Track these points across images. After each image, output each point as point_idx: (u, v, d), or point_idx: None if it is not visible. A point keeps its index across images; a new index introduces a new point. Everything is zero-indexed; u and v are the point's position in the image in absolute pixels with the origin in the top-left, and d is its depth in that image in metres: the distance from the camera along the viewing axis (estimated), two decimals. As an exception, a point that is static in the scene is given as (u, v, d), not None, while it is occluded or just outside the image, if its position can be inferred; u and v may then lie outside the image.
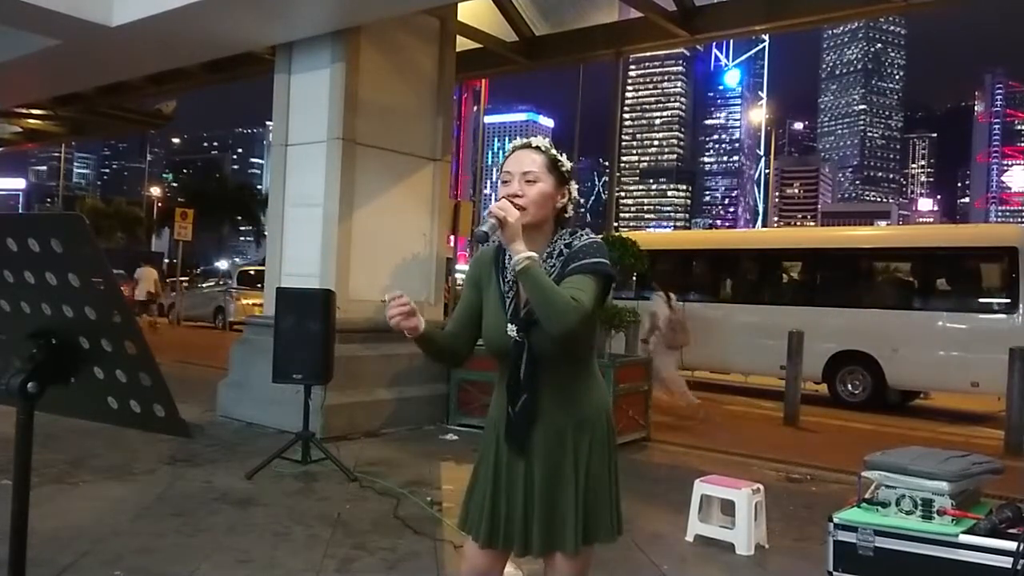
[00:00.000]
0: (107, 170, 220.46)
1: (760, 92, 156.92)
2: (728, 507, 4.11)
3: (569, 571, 2.00)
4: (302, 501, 4.66)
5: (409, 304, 1.90)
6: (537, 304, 1.83)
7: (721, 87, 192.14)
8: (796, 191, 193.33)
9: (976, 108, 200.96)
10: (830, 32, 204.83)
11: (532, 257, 1.83)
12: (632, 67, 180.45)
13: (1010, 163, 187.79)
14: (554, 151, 2.01)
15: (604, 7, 9.52)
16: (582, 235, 1.99)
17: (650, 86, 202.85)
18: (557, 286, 1.85)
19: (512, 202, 1.92)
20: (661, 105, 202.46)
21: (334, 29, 7.00)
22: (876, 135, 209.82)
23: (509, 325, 1.96)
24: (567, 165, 2.03)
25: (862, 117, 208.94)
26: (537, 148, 2.01)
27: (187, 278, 26.87)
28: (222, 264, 48.98)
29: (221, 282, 25.29)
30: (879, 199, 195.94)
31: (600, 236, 2.04)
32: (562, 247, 1.97)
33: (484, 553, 2.04)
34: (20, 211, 44.27)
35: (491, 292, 2.05)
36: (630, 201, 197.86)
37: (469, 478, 2.13)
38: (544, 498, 1.96)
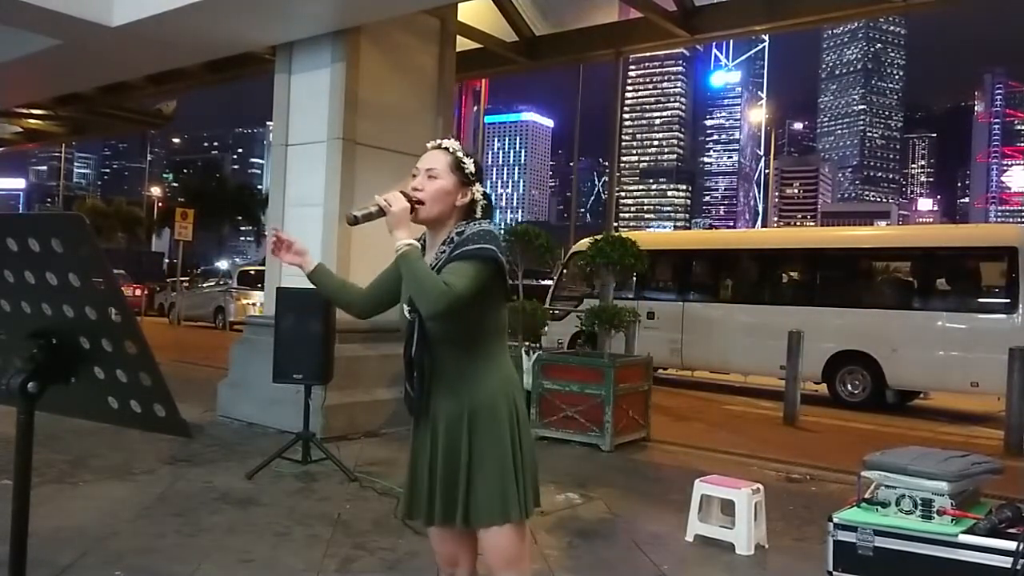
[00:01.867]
0: (107, 170, 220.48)
1: (760, 92, 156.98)
2: (728, 507, 4.11)
3: (493, 549, 2.09)
4: (302, 501, 4.66)
5: (289, 241, 2.20)
6: (410, 288, 1.99)
7: (718, 88, 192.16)
8: (796, 191, 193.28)
9: (976, 108, 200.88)
10: (830, 32, 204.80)
11: (411, 244, 1.97)
12: (632, 67, 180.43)
13: (1010, 163, 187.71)
14: (460, 153, 2.13)
15: (604, 7, 9.53)
16: (473, 224, 2.10)
17: (650, 86, 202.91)
18: (433, 272, 1.99)
19: (411, 195, 2.06)
20: (661, 105, 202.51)
21: (334, 29, 7.00)
22: (876, 135, 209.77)
23: (404, 305, 2.10)
24: (471, 167, 2.14)
25: (862, 117, 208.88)
26: (446, 149, 2.14)
27: (187, 278, 26.85)
28: (222, 264, 48.97)
29: (221, 282, 25.28)
30: (879, 199, 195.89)
31: (490, 224, 2.15)
32: (454, 235, 2.09)
33: (442, 538, 2.19)
34: (20, 211, 44.29)
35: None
36: (630, 201, 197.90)
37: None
38: (443, 472, 2.08)
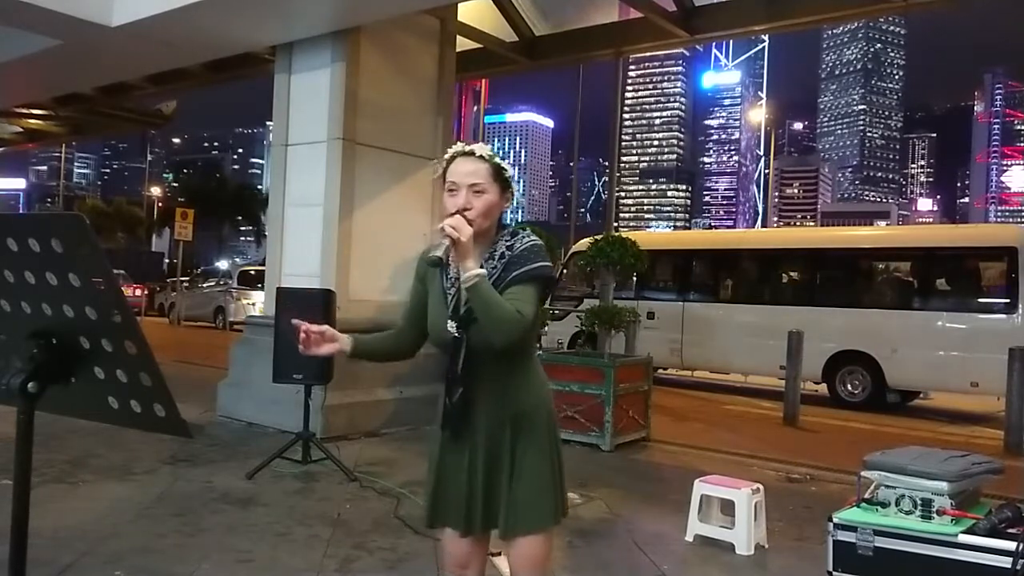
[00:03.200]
0: (107, 170, 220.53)
1: (760, 92, 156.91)
2: (728, 507, 4.11)
3: (523, 555, 2.07)
4: (302, 501, 4.66)
5: (313, 331, 2.01)
6: (485, 319, 1.91)
7: (715, 89, 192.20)
8: (796, 191, 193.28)
9: (976, 108, 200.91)
10: (830, 32, 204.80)
11: (482, 275, 1.90)
12: (632, 67, 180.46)
13: (1010, 163, 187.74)
14: (497, 159, 2.05)
15: (604, 7, 9.52)
16: (523, 236, 2.06)
17: (650, 86, 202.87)
18: (502, 297, 1.92)
19: (465, 215, 1.95)
20: (661, 105, 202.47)
21: (334, 29, 7.00)
22: (876, 135, 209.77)
23: (449, 321, 2.03)
24: (509, 171, 2.09)
25: (862, 117, 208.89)
26: (481, 157, 2.03)
27: (187, 278, 26.85)
28: (222, 264, 48.94)
29: (221, 282, 25.28)
30: (879, 199, 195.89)
31: (536, 234, 2.12)
32: (504, 249, 2.04)
33: (458, 541, 2.14)
34: (20, 211, 44.32)
35: (434, 287, 2.12)
36: (630, 201, 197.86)
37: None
38: (484, 482, 2.05)
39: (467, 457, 2.07)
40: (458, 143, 2.12)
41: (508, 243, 2.05)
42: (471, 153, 2.04)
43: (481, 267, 1.96)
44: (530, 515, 2.04)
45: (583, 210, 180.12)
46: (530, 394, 2.09)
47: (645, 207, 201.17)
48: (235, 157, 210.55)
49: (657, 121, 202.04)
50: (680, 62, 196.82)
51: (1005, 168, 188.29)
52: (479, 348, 1.98)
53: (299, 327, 2.02)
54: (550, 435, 2.10)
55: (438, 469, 2.13)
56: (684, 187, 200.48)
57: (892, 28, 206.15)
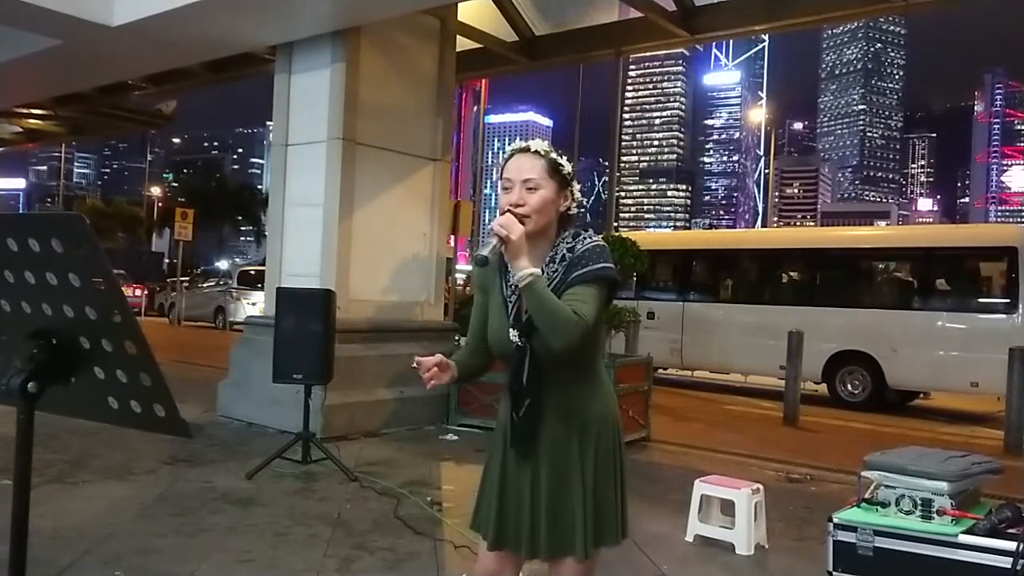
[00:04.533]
0: (107, 170, 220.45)
1: (760, 92, 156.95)
2: (728, 507, 4.11)
3: (575, 571, 1.99)
4: (302, 501, 4.66)
5: (432, 364, 1.90)
6: (540, 320, 1.84)
7: (716, 88, 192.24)
8: (796, 191, 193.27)
9: (976, 108, 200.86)
10: (830, 32, 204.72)
11: (535, 274, 1.82)
12: (632, 67, 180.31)
13: (1010, 163, 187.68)
14: (554, 154, 1.98)
15: (604, 7, 9.52)
16: (585, 238, 1.98)
17: (650, 86, 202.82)
18: (560, 300, 1.84)
19: (514, 212, 1.90)
20: (661, 105, 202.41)
21: (334, 29, 7.00)
22: (876, 135, 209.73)
23: (511, 330, 1.95)
24: (568, 167, 2.00)
25: (862, 117, 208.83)
26: (536, 152, 1.97)
27: (187, 278, 26.85)
28: (222, 264, 48.96)
29: (221, 282, 25.28)
30: (879, 199, 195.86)
31: (601, 237, 2.03)
32: (565, 251, 1.95)
33: (495, 556, 2.03)
34: (20, 211, 44.29)
35: (495, 295, 2.03)
36: (630, 201, 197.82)
37: (480, 478, 2.12)
38: (551, 501, 1.94)
39: (530, 472, 1.96)
40: (517, 140, 2.04)
41: (569, 245, 1.96)
42: (527, 149, 1.98)
43: (541, 270, 1.89)
44: (605, 532, 1.97)
45: (583, 210, 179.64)
46: (598, 404, 2.00)
47: (645, 207, 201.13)
48: (235, 157, 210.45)
49: (657, 121, 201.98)
50: (680, 62, 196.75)
51: (1005, 168, 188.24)
52: (544, 357, 1.89)
53: (420, 365, 1.91)
54: (617, 448, 2.02)
55: (500, 489, 2.00)
56: (684, 187, 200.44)
57: (892, 28, 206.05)
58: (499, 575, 2.07)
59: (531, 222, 1.90)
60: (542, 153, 1.97)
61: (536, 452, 1.95)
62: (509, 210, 1.91)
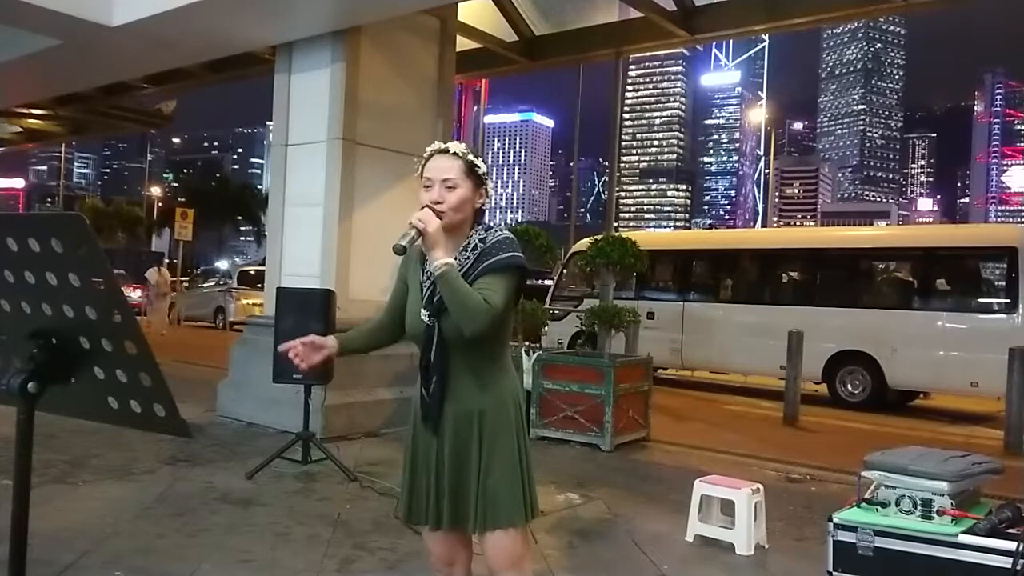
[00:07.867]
0: (107, 170, 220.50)
1: (760, 92, 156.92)
2: (728, 507, 4.11)
3: (496, 551, 2.08)
4: (302, 501, 4.66)
5: (295, 345, 2.12)
6: (452, 307, 1.97)
7: (716, 88, 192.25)
8: (796, 191, 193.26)
9: (976, 108, 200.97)
10: (830, 32, 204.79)
11: (450, 263, 1.96)
12: (632, 67, 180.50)
13: (1010, 163, 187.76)
14: (471, 156, 2.11)
15: (604, 7, 9.52)
16: (496, 231, 2.13)
17: (650, 86, 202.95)
18: (471, 287, 1.98)
19: (433, 208, 2.03)
20: (661, 105, 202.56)
21: (334, 29, 7.00)
22: (876, 135, 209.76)
23: (423, 310, 2.09)
24: (483, 168, 2.13)
25: (862, 117, 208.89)
26: (455, 154, 2.10)
27: (187, 278, 26.84)
28: (222, 264, 48.96)
29: (221, 282, 25.26)
30: (879, 199, 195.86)
31: (510, 230, 2.25)
32: (476, 242, 2.09)
33: (441, 539, 2.17)
34: (20, 211, 44.24)
35: (414, 283, 2.18)
36: (630, 201, 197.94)
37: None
38: (451, 476, 2.08)
39: (435, 447, 2.10)
40: (436, 142, 2.17)
41: (481, 236, 2.10)
42: (446, 151, 2.11)
43: (455, 259, 2.02)
44: (500, 510, 2.05)
45: (583, 210, 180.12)
46: (499, 387, 2.11)
47: (645, 207, 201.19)
48: (235, 157, 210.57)
49: (657, 121, 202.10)
50: (680, 62, 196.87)
51: (1005, 168, 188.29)
52: (451, 337, 2.03)
53: (286, 350, 2.13)
54: (518, 431, 2.13)
55: (411, 464, 2.17)
56: (684, 187, 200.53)
57: (892, 28, 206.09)
58: (450, 557, 2.21)
59: (447, 218, 2.04)
60: (460, 154, 2.11)
61: (442, 428, 2.09)
62: (428, 206, 2.03)
